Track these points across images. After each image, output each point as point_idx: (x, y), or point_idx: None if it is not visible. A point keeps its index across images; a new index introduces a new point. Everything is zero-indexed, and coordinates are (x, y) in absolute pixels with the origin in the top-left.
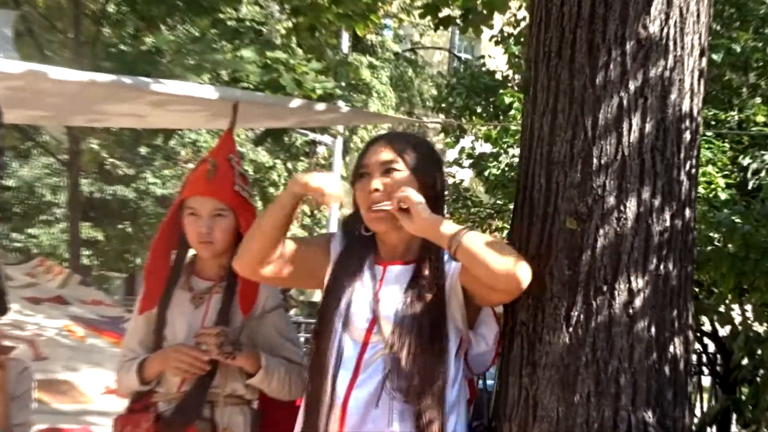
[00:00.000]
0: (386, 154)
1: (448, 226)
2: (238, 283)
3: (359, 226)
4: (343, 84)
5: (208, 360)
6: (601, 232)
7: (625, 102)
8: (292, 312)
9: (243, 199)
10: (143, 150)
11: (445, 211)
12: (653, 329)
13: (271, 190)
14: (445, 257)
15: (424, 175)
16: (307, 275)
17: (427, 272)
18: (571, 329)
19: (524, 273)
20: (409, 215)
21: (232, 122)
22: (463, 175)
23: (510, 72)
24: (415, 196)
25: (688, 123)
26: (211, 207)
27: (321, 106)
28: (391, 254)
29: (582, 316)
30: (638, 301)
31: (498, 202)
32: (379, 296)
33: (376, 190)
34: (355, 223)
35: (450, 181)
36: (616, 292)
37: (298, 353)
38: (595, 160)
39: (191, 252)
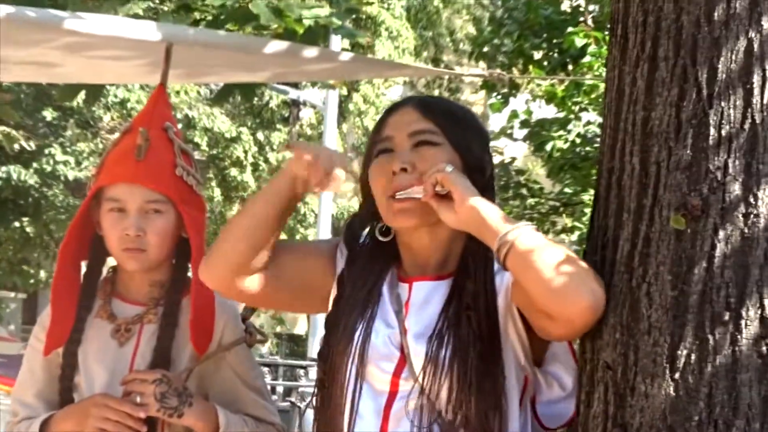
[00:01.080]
0: (418, 122)
1: (502, 219)
2: (180, 308)
3: (375, 226)
4: (343, 10)
5: (144, 417)
6: (722, 234)
7: (755, 46)
8: (265, 350)
9: (188, 188)
10: (49, 114)
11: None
12: None
13: (234, 172)
14: (496, 266)
15: (471, 153)
16: (305, 294)
17: (470, 287)
18: (677, 375)
19: (593, 300)
20: (450, 203)
21: (164, 74)
22: (515, 151)
23: (582, 1)
24: (459, 176)
25: None
26: (141, 199)
27: (310, 52)
28: (420, 266)
29: (693, 357)
30: None
31: (566, 190)
32: (407, 325)
33: (403, 169)
34: (365, 222)
35: (496, 159)
36: (743, 322)
37: (268, 408)
38: (712, 131)
39: (110, 263)
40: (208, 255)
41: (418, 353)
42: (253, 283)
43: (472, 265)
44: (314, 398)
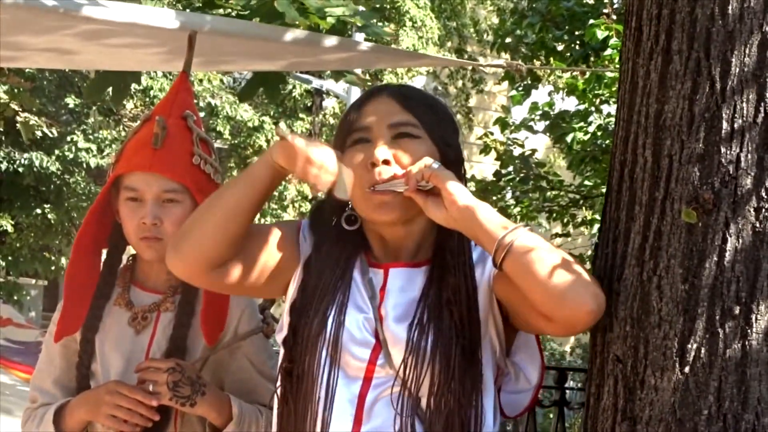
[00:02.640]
0: (398, 114)
1: (497, 220)
2: (198, 297)
3: (339, 217)
4: (376, 6)
5: (156, 406)
6: (733, 228)
7: None
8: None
9: (205, 177)
10: (72, 101)
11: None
12: None
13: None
14: (474, 256)
15: (449, 147)
16: (270, 279)
17: (451, 280)
18: (687, 369)
19: (595, 305)
20: (436, 199)
21: (187, 62)
22: (536, 143)
23: None
24: (447, 172)
25: None
26: (158, 188)
27: (330, 41)
28: (392, 253)
29: (703, 350)
30: None
31: (586, 182)
32: (383, 311)
33: (385, 161)
34: (332, 212)
35: (517, 151)
36: (753, 316)
37: None
38: (725, 124)
39: (129, 252)
40: (178, 243)
41: (397, 340)
42: (224, 272)
43: (449, 257)
44: (277, 388)
